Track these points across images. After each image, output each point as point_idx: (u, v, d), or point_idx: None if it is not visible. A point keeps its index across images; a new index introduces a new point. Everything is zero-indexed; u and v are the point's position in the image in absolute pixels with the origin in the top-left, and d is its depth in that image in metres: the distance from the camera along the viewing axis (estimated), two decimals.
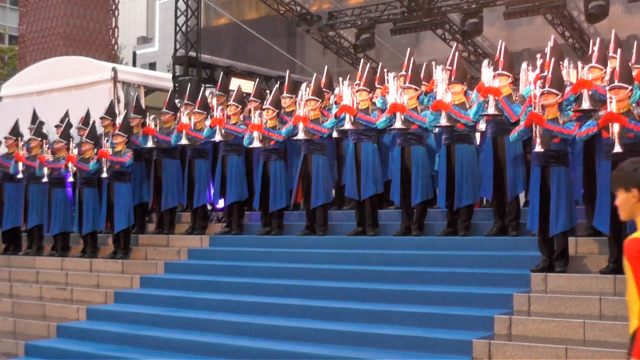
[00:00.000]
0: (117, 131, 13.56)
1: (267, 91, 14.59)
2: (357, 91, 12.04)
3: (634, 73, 9.63)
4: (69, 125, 14.88)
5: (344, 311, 9.90)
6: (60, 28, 69.57)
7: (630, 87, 9.11)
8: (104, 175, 13.24)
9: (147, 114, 14.56)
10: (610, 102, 8.94)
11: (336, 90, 13.61)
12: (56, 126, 15.51)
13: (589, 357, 7.70)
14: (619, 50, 9.69)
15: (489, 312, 8.85)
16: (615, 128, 8.81)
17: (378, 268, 10.76)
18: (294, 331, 9.67)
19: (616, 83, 9.04)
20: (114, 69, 17.80)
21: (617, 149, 8.76)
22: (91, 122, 14.23)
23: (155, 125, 14.01)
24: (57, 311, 12.42)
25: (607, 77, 10.04)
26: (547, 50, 11.08)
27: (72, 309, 12.20)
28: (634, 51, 10.55)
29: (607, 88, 9.21)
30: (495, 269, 9.94)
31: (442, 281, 10.06)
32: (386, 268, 10.66)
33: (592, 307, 8.59)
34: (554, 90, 9.45)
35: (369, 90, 11.95)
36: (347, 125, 11.70)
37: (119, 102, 16.65)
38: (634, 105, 9.25)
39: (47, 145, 14.60)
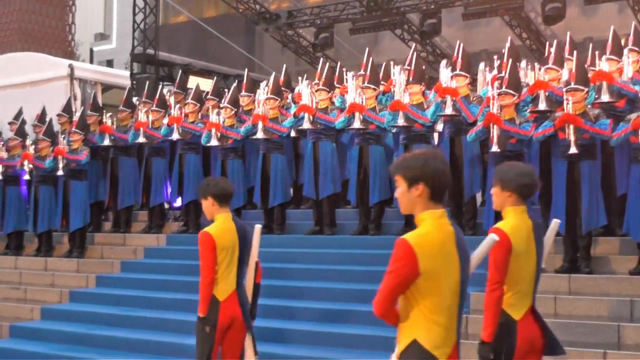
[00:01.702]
0: (73, 129, 13.42)
1: (226, 90, 14.55)
2: (316, 91, 12.04)
3: (590, 75, 9.72)
4: (24, 123, 14.71)
5: (301, 310, 9.90)
6: (15, 23, 68.91)
7: (586, 89, 9.21)
8: (60, 173, 13.12)
9: (104, 111, 14.45)
10: (567, 103, 9.01)
11: (295, 90, 13.60)
12: (9, 123, 15.35)
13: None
14: (575, 53, 9.79)
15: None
16: (571, 129, 8.89)
17: (335, 267, 10.76)
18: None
19: (572, 85, 9.13)
20: (70, 66, 17.63)
21: (573, 149, 8.84)
22: (47, 120, 14.09)
23: (112, 123, 13.90)
24: (10, 311, 12.26)
25: (563, 79, 10.14)
26: (505, 51, 11.16)
27: (26, 308, 12.06)
28: (590, 53, 10.65)
29: (564, 90, 9.29)
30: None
31: None
32: (343, 267, 10.67)
33: (547, 305, 8.65)
34: (511, 91, 9.52)
35: (328, 89, 11.95)
36: (306, 125, 11.69)
37: (75, 99, 16.49)
38: (589, 107, 9.35)
39: (2, 143, 14.43)
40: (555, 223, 5.76)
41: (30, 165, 13.56)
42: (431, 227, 4.06)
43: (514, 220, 5.19)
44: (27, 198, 14.17)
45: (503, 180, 5.23)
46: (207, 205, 7.01)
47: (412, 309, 4.03)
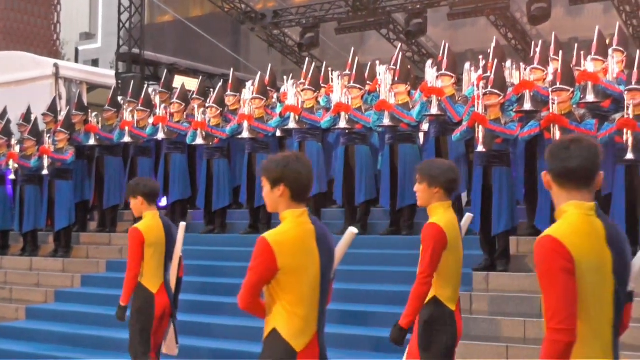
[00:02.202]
0: (59, 128, 13.38)
1: (211, 89, 14.53)
2: (302, 90, 12.03)
3: (575, 75, 9.75)
4: (9, 122, 14.65)
5: None
6: (0, 22, 68.61)
7: (572, 89, 9.24)
8: (45, 172, 13.07)
9: (90, 111, 14.40)
10: (553, 103, 9.03)
11: (281, 89, 13.59)
12: None
13: (529, 355, 7.78)
14: (560, 53, 9.81)
15: None
16: (557, 129, 8.91)
17: None
18: (236, 330, 9.65)
19: (558, 85, 9.15)
20: (55, 65, 17.59)
21: None
22: (33, 119, 14.03)
23: (98, 123, 13.86)
24: None
25: (548, 79, 10.16)
26: (490, 51, 11.17)
27: (11, 308, 12.01)
28: (575, 53, 10.69)
29: (550, 90, 9.32)
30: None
31: (385, 280, 10.09)
32: None
33: (533, 306, 8.67)
34: (496, 91, 9.53)
35: (314, 89, 11.95)
36: (292, 125, 11.69)
37: (60, 98, 16.44)
38: (575, 106, 9.38)
39: None
40: (468, 217, 6.10)
41: (16, 165, 13.50)
42: (291, 226, 4.33)
43: (445, 215, 5.45)
44: (13, 197, 14.11)
45: (430, 177, 5.45)
46: (137, 203, 7.35)
47: (274, 302, 4.30)
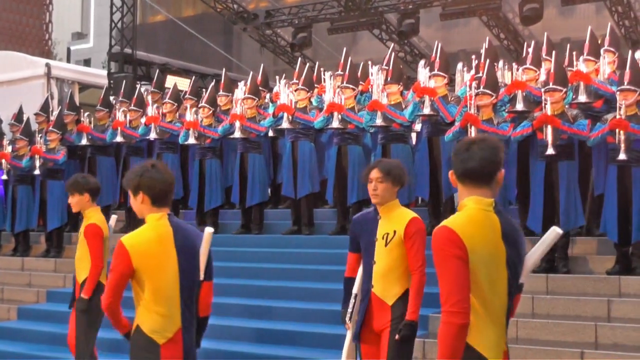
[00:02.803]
0: (50, 128, 13.36)
1: (203, 89, 14.51)
2: (295, 90, 12.02)
3: (568, 75, 9.76)
4: (0, 122, 14.63)
5: (280, 310, 9.89)
6: None
7: (564, 90, 9.24)
8: (37, 172, 13.05)
9: (82, 111, 14.37)
10: (545, 104, 9.04)
11: (274, 89, 13.58)
12: None
13: (521, 354, 7.79)
14: (553, 53, 9.82)
15: (424, 312, 8.87)
16: (549, 129, 8.92)
17: (313, 267, 10.76)
18: (228, 330, 9.61)
19: (551, 85, 9.16)
20: (47, 65, 17.57)
21: (551, 150, 8.87)
22: (25, 119, 14.00)
23: (90, 123, 13.84)
24: None
25: (540, 79, 10.17)
26: (482, 51, 11.19)
27: (3, 308, 11.97)
28: (567, 54, 10.70)
29: (542, 90, 9.33)
30: (429, 268, 9.96)
31: None
32: (321, 267, 10.66)
33: (525, 305, 8.68)
34: (488, 91, 9.55)
35: (307, 89, 11.94)
36: (285, 124, 11.67)
37: (52, 98, 16.41)
38: (567, 107, 9.39)
39: None
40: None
41: (8, 165, 13.47)
42: (148, 228, 4.71)
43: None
44: (4, 197, 14.08)
45: (396, 176, 5.75)
46: (82, 200, 7.56)
47: (138, 301, 4.68)
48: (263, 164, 12.28)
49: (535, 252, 4.17)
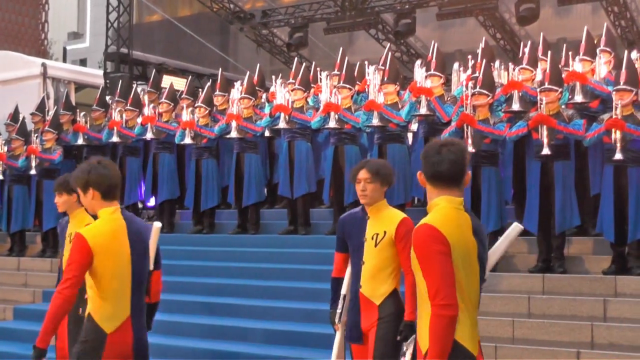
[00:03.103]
0: (46, 128, 13.35)
1: (200, 89, 14.50)
2: (292, 90, 12.02)
3: (564, 75, 9.77)
4: None
5: (276, 310, 9.89)
6: None
7: (560, 90, 9.25)
8: (33, 172, 13.03)
9: (77, 110, 14.37)
10: (541, 104, 9.04)
11: (271, 89, 13.56)
12: None
13: (517, 354, 7.80)
14: (549, 53, 9.82)
15: None
16: (545, 129, 8.92)
17: (310, 267, 10.75)
18: (225, 330, 9.63)
19: (546, 85, 9.16)
20: (43, 65, 17.53)
21: (546, 150, 8.87)
22: (20, 119, 13.99)
23: (86, 123, 13.83)
24: None
25: (537, 79, 10.18)
26: (479, 51, 11.20)
27: None
28: (563, 54, 10.70)
29: (538, 90, 9.33)
30: None
31: None
32: (318, 267, 10.64)
33: (521, 305, 8.69)
34: (485, 91, 9.55)
35: (303, 89, 11.93)
36: (282, 124, 11.66)
37: (48, 98, 16.37)
38: (563, 107, 9.39)
39: None
40: None
41: (4, 165, 13.46)
42: (104, 222, 4.91)
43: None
44: (0, 197, 14.06)
45: (384, 176, 5.81)
46: (70, 200, 7.41)
47: (90, 290, 4.88)
48: (259, 163, 12.28)
49: (498, 248, 4.38)
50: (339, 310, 5.91)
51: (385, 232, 5.64)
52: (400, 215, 5.73)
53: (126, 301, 4.91)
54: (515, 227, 4.61)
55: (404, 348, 4.82)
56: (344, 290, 5.94)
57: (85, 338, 4.89)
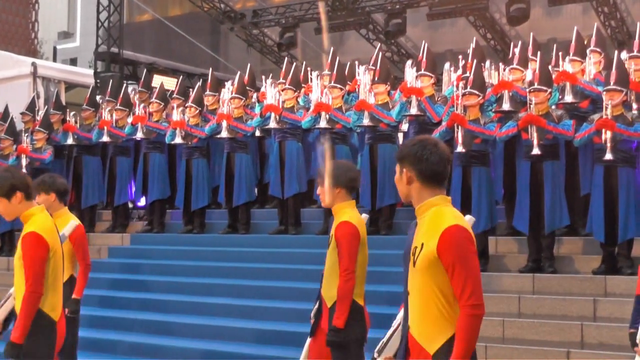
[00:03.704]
0: (37, 127, 13.32)
1: (190, 89, 14.49)
2: (282, 90, 12.01)
3: (554, 76, 9.79)
4: None
5: (267, 310, 9.89)
6: None
7: (549, 90, 9.26)
8: (23, 172, 12.97)
9: (68, 110, 14.33)
10: (530, 104, 9.06)
11: (261, 89, 13.56)
12: None
13: (507, 354, 7.81)
14: (539, 53, 9.84)
15: None
16: (534, 130, 8.94)
17: (300, 267, 10.75)
18: (216, 330, 9.63)
19: (536, 85, 9.18)
20: (33, 64, 17.51)
21: (536, 150, 8.89)
22: (10, 118, 13.95)
23: (76, 122, 13.79)
24: None
25: (527, 79, 10.19)
26: (469, 51, 11.20)
27: None
28: (554, 54, 10.72)
29: (527, 90, 9.34)
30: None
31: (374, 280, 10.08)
32: (308, 267, 10.64)
33: (511, 305, 8.70)
34: (475, 91, 9.56)
35: (294, 89, 11.93)
36: (273, 124, 11.66)
37: (38, 97, 16.36)
38: (553, 107, 9.41)
39: None
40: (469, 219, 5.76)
41: None
42: (43, 219, 5.36)
43: (354, 213, 5.78)
44: None
45: (334, 177, 5.69)
46: (48, 199, 7.29)
47: (45, 282, 5.26)
48: (250, 163, 12.27)
49: None
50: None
51: (332, 235, 5.74)
52: (342, 217, 5.72)
53: (61, 292, 5.46)
54: (470, 220, 4.68)
55: (375, 355, 4.55)
56: None
57: (38, 330, 5.24)
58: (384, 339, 4.53)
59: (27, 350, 5.21)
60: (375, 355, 4.53)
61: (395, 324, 4.48)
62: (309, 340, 6.02)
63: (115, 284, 11.73)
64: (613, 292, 8.61)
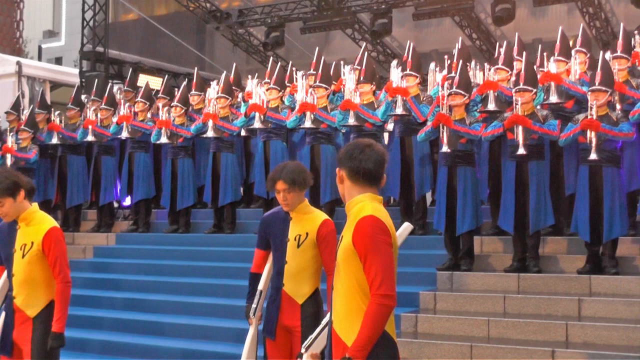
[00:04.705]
0: (22, 127, 13.28)
1: (176, 88, 14.47)
2: (267, 89, 12.01)
3: (539, 76, 9.81)
4: None
5: None
6: None
7: (534, 90, 9.29)
8: None
9: (53, 109, 14.29)
10: (516, 104, 9.07)
11: (247, 88, 13.55)
12: None
13: (492, 354, 7.82)
14: (524, 54, 9.86)
15: (396, 311, 8.88)
16: (520, 130, 8.96)
17: None
18: (201, 330, 9.61)
19: (521, 86, 9.20)
20: (18, 63, 17.45)
21: (521, 150, 8.91)
22: None
23: (61, 121, 13.74)
24: None
25: (512, 79, 10.22)
26: (455, 51, 11.22)
27: None
28: (539, 54, 10.76)
29: (513, 90, 9.37)
30: (401, 268, 9.92)
31: None
32: None
33: (497, 304, 8.72)
34: (461, 91, 9.56)
35: (279, 89, 11.93)
36: (257, 124, 11.65)
37: (23, 96, 16.29)
38: (538, 107, 9.43)
39: None
40: (407, 227, 5.25)
41: None
42: (48, 217, 5.68)
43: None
44: None
45: (301, 182, 5.85)
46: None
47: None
48: (235, 163, 12.26)
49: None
50: (254, 305, 6.14)
51: (307, 234, 5.83)
52: (321, 217, 5.89)
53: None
54: (407, 227, 4.74)
55: (303, 350, 4.55)
56: (261, 285, 6.13)
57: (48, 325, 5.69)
58: (312, 335, 4.58)
59: None
60: (303, 350, 4.55)
61: (325, 320, 4.54)
62: (253, 336, 6.25)
63: (100, 283, 11.70)
64: (598, 292, 8.64)
